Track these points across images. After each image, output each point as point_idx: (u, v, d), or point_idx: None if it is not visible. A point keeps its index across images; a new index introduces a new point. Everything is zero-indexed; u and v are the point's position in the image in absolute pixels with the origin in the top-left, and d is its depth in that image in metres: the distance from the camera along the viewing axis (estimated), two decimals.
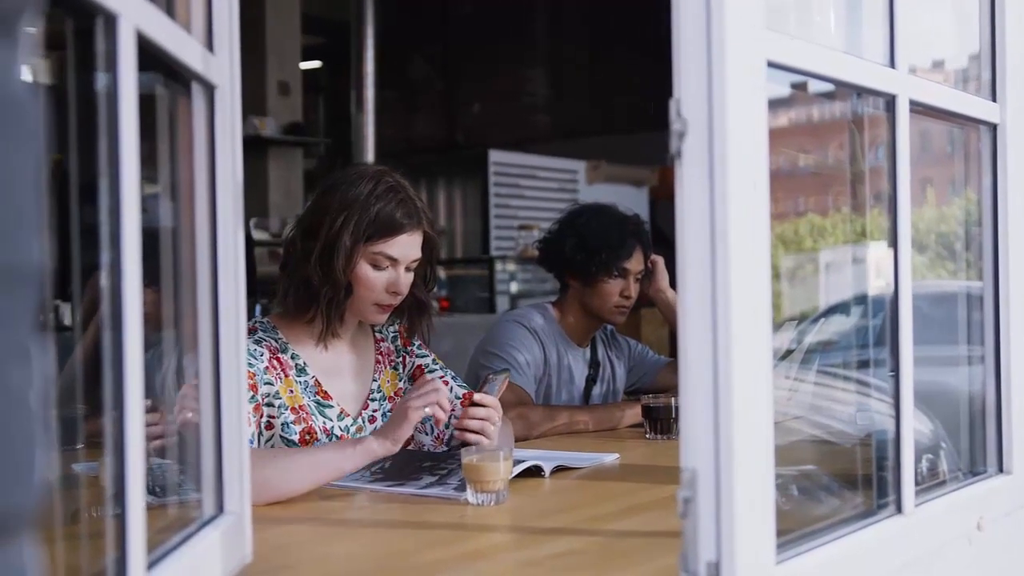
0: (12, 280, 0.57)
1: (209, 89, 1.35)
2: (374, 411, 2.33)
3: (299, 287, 2.21)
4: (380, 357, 2.39)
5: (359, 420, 2.29)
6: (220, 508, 1.37)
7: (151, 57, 1.12)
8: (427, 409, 1.97)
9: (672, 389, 3.00)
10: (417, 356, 2.44)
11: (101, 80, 1.02)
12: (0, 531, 0.57)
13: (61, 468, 1.19)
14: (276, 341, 2.22)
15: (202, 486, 1.36)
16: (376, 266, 2.20)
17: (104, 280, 1.02)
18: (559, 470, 2.19)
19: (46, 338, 0.62)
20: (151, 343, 1.10)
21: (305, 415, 2.18)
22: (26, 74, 0.61)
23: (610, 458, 2.36)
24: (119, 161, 1.01)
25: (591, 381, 3.14)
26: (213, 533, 1.30)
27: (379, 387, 2.36)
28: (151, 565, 1.10)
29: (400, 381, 2.40)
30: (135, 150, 1.03)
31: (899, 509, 1.52)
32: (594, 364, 3.16)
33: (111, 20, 1.00)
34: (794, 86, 1.48)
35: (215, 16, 1.37)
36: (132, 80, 1.03)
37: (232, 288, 1.38)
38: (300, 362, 2.23)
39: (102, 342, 1.03)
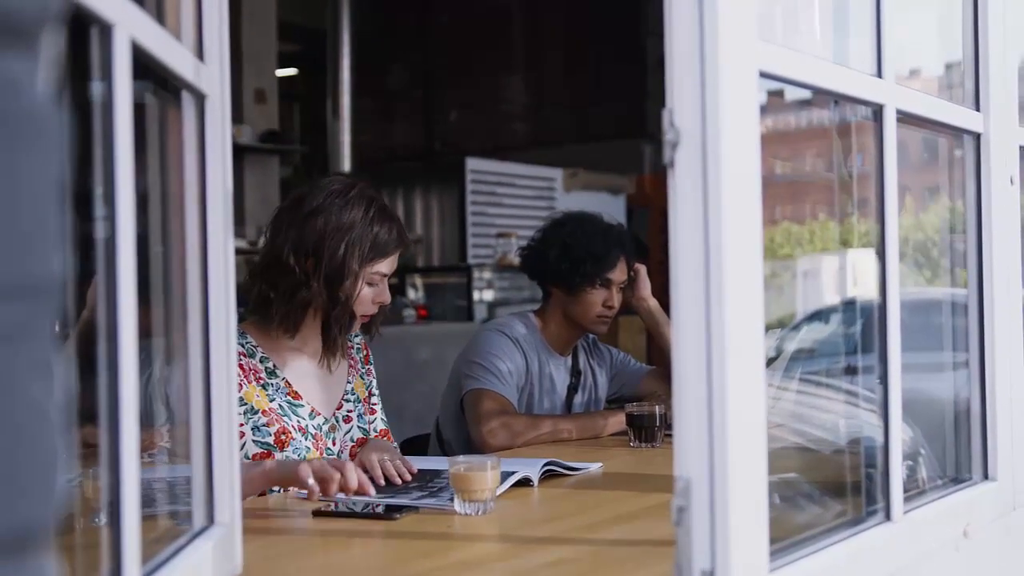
0: (34, 293, 0.57)
1: (200, 98, 1.34)
2: (348, 411, 2.41)
3: (299, 308, 2.26)
4: (352, 361, 2.47)
5: (332, 419, 2.36)
6: (211, 519, 1.36)
7: (142, 65, 1.12)
8: (311, 481, 1.88)
9: (654, 397, 3.01)
10: (373, 377, 2.54)
11: (95, 88, 1.02)
12: (23, 544, 0.56)
13: None
14: (243, 346, 2.24)
15: (193, 498, 1.35)
16: (371, 284, 2.30)
17: (99, 289, 1.01)
18: (547, 477, 2.19)
19: (64, 350, 0.61)
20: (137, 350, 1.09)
21: (276, 416, 2.24)
22: (48, 86, 0.61)
23: (595, 467, 2.36)
24: (114, 169, 1.00)
25: (573, 390, 3.14)
26: (205, 544, 1.29)
27: (352, 389, 2.44)
28: None
29: (365, 389, 2.49)
30: (130, 158, 1.02)
31: (888, 516, 1.53)
32: (576, 373, 3.16)
33: (106, 29, 0.99)
34: (771, 93, 1.48)
35: (205, 25, 1.36)
36: (127, 89, 1.02)
37: (223, 298, 1.37)
38: (270, 365, 2.29)
39: (88, 351, 1.03)
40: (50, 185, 0.60)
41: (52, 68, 0.63)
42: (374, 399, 2.52)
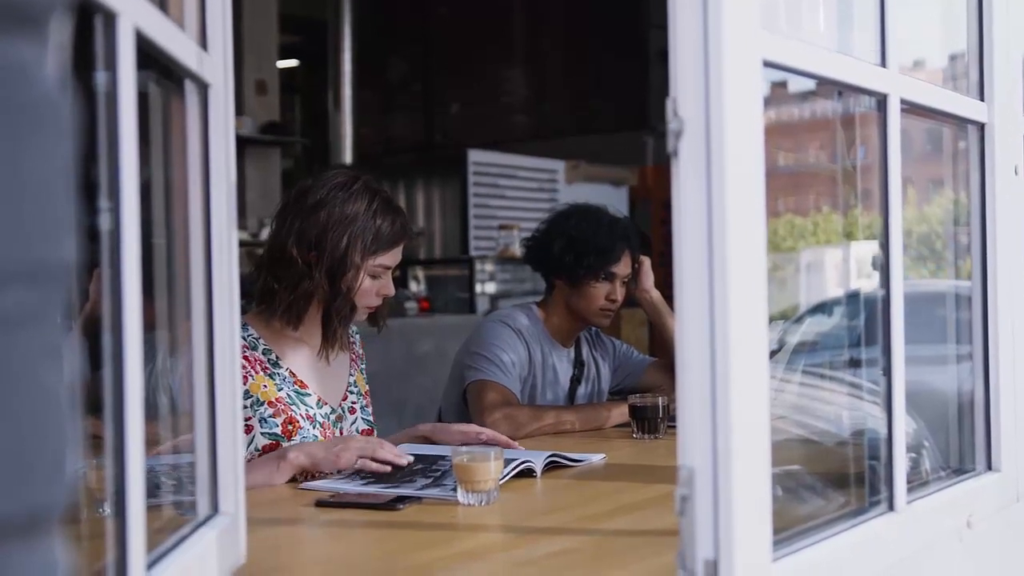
0: (45, 279, 0.57)
1: (203, 88, 1.34)
2: (352, 403, 2.44)
3: (302, 300, 2.28)
4: (353, 355, 2.49)
5: (339, 409, 2.39)
6: (215, 508, 1.36)
7: (145, 54, 1.11)
8: (359, 463, 2.10)
9: (657, 388, 3.01)
10: (365, 375, 2.56)
11: (99, 78, 1.01)
12: (33, 528, 0.57)
13: None
14: (245, 339, 2.25)
15: (197, 487, 1.35)
16: (373, 276, 2.31)
17: (103, 280, 1.01)
18: (550, 468, 2.19)
19: (73, 336, 0.62)
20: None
21: (284, 406, 2.26)
22: (57, 71, 0.61)
23: (597, 458, 2.36)
24: (118, 160, 1.00)
25: (576, 381, 3.14)
26: (209, 534, 1.29)
27: (355, 382, 2.46)
28: (149, 566, 1.09)
29: (366, 384, 2.52)
30: (134, 148, 1.02)
31: (891, 507, 1.53)
32: (579, 364, 3.16)
33: (110, 18, 0.99)
34: (775, 84, 1.48)
35: (208, 14, 1.36)
36: (131, 78, 1.02)
37: (226, 288, 1.37)
38: (273, 357, 2.30)
39: (91, 343, 1.03)
40: (60, 171, 0.60)
41: (60, 55, 0.63)
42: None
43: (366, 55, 8.59)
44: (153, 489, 1.37)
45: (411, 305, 6.64)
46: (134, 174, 1.02)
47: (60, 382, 0.59)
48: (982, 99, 1.82)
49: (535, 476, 2.12)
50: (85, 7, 0.98)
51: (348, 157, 8.28)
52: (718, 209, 1.17)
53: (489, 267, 7.43)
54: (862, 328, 1.87)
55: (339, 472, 2.11)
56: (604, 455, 2.38)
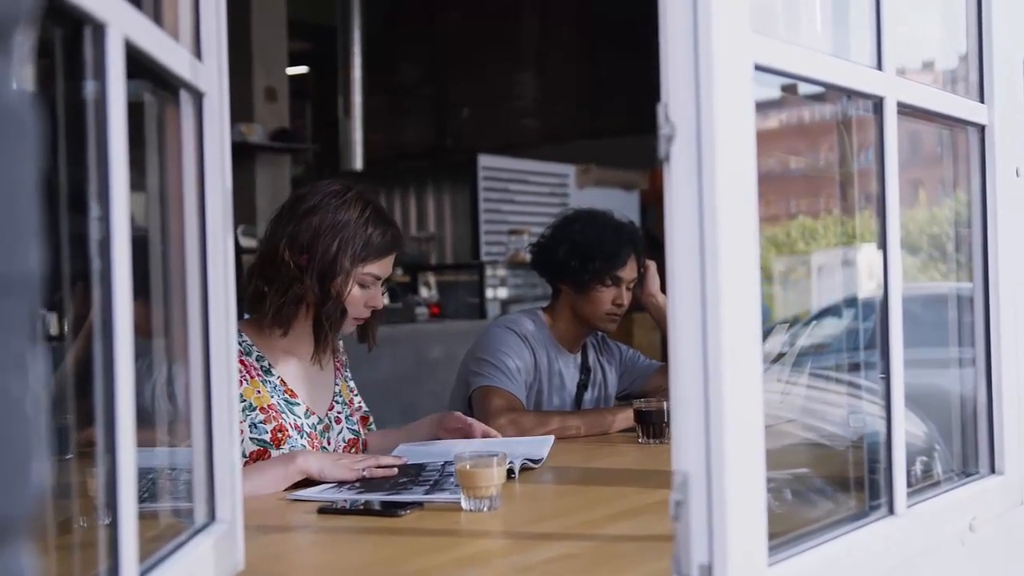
0: (10, 288, 0.58)
1: (197, 97, 1.34)
2: (338, 413, 2.46)
3: (292, 303, 2.29)
4: (338, 365, 2.51)
5: (326, 419, 2.41)
6: (212, 516, 1.37)
7: (138, 64, 1.12)
8: (365, 473, 2.13)
9: (664, 393, 3.00)
10: (350, 379, 2.57)
11: (89, 88, 1.02)
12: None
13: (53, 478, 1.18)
14: (240, 344, 2.26)
15: (194, 494, 1.35)
16: (362, 285, 2.33)
17: (94, 290, 1.01)
18: (556, 472, 2.20)
19: (41, 346, 0.62)
20: (140, 353, 1.10)
21: (275, 413, 2.28)
22: (21, 83, 0.61)
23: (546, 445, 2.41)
24: (108, 169, 1.01)
25: (582, 387, 3.14)
26: (205, 541, 1.29)
27: (339, 391, 2.48)
28: (143, 573, 1.09)
29: (350, 392, 2.54)
30: (124, 158, 1.03)
31: (891, 510, 1.52)
32: (585, 370, 3.15)
33: (99, 29, 1.00)
34: (784, 88, 1.48)
35: (203, 24, 1.37)
36: (121, 88, 1.02)
37: (222, 297, 1.38)
38: (266, 364, 2.33)
39: (92, 351, 1.03)
40: (26, 182, 0.61)
41: (25, 66, 0.63)
42: (357, 397, 2.57)
43: (375, 61, 8.60)
44: (153, 496, 1.37)
45: (422, 310, 6.64)
46: (124, 184, 1.03)
47: (26, 392, 0.59)
48: (982, 101, 1.82)
49: (514, 478, 2.13)
50: (75, 17, 0.99)
51: (359, 163, 8.29)
52: (709, 214, 1.17)
53: (500, 272, 7.43)
54: (869, 331, 1.87)
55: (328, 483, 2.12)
56: (551, 438, 2.45)
